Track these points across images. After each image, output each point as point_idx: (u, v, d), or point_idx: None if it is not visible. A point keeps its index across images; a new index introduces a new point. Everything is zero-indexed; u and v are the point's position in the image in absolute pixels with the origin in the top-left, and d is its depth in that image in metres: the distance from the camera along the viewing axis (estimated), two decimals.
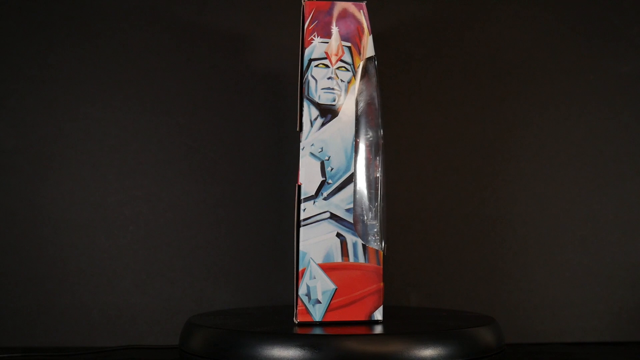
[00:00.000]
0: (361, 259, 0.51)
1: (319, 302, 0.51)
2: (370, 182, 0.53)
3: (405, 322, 0.53)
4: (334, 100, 0.52)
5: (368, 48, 0.54)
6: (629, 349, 0.70)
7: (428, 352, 0.45)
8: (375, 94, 0.54)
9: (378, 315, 0.52)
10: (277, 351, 0.45)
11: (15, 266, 0.70)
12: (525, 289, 0.75)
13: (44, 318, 0.70)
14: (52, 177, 0.72)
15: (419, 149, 0.76)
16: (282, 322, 0.53)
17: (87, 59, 0.73)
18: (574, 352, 0.68)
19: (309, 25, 0.52)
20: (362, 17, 0.54)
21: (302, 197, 0.51)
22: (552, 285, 0.74)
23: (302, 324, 0.50)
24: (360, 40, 0.53)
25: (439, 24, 0.77)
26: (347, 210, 0.51)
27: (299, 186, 0.51)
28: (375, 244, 0.52)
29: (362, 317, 0.51)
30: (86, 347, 0.69)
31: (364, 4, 0.54)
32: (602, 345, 0.72)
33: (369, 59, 0.54)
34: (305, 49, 0.52)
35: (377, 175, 0.53)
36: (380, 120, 0.54)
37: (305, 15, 0.52)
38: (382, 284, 0.52)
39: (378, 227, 0.53)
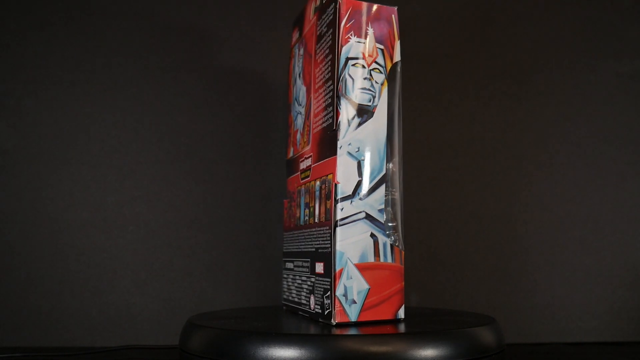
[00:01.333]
0: (389, 259, 0.52)
1: (355, 302, 0.51)
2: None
3: (406, 322, 0.53)
4: (370, 101, 0.52)
5: (396, 53, 0.54)
6: (629, 349, 0.70)
7: (428, 352, 0.45)
8: (398, 98, 0.54)
9: (401, 313, 0.52)
10: (277, 351, 0.45)
11: (15, 266, 0.70)
12: (525, 289, 0.75)
13: (44, 318, 0.70)
14: (52, 177, 0.72)
15: (419, 149, 0.76)
16: (283, 322, 0.53)
17: (87, 59, 0.73)
18: (574, 352, 0.68)
19: (346, 24, 0.52)
20: (394, 22, 0.54)
21: (340, 196, 0.51)
22: (552, 285, 0.75)
23: (340, 325, 0.50)
24: (391, 44, 0.54)
25: (438, 24, 0.78)
26: (379, 210, 0.52)
27: (336, 185, 0.51)
28: (400, 243, 0.53)
29: (389, 316, 0.52)
30: (86, 347, 0.69)
31: (395, 9, 0.54)
32: (602, 345, 0.72)
33: (396, 64, 0.54)
34: (342, 46, 0.51)
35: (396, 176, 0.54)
36: (400, 123, 0.54)
37: (341, 13, 0.52)
38: (403, 282, 0.53)
39: (400, 226, 0.53)
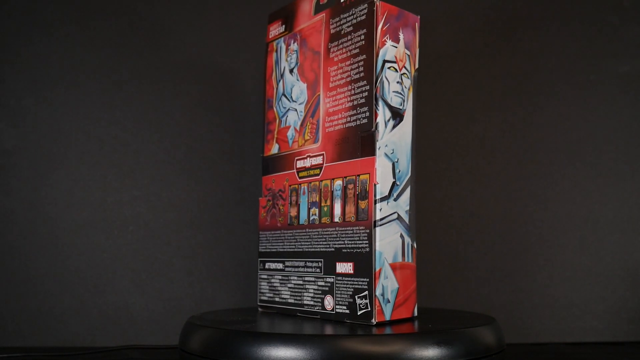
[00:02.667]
0: (410, 259, 0.53)
1: (389, 302, 0.51)
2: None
3: (406, 322, 0.53)
4: (401, 104, 0.53)
5: (417, 59, 0.56)
6: (629, 349, 0.70)
7: (428, 352, 0.45)
8: (414, 103, 0.55)
9: (415, 311, 0.54)
10: (277, 351, 0.45)
11: (15, 266, 0.70)
12: (525, 289, 0.75)
13: (44, 318, 0.70)
14: (52, 177, 0.72)
15: (419, 149, 0.76)
16: (283, 322, 0.53)
17: (87, 59, 0.73)
18: (574, 352, 0.68)
19: (383, 27, 0.53)
20: (417, 29, 0.56)
21: (378, 197, 0.51)
22: (552, 285, 0.75)
23: (379, 324, 0.50)
24: (414, 51, 0.55)
25: (438, 25, 0.77)
26: (406, 212, 0.53)
27: (375, 185, 0.51)
28: (415, 243, 0.54)
29: (409, 314, 0.53)
30: (86, 347, 0.69)
31: (418, 17, 0.56)
32: (602, 345, 0.72)
33: (417, 70, 0.55)
34: (380, 49, 0.52)
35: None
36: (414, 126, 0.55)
37: (378, 15, 0.52)
38: (416, 281, 0.54)
39: (414, 226, 0.54)
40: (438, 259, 0.75)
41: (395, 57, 0.53)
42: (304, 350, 0.44)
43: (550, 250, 0.75)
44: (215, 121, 0.75)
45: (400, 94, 0.53)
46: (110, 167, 0.73)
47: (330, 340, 0.45)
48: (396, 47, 0.53)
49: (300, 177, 0.58)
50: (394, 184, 0.52)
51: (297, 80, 0.60)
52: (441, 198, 0.76)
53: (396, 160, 0.52)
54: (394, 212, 0.52)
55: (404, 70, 0.54)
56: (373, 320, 0.50)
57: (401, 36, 0.54)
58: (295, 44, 0.61)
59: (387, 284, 0.51)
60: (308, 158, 0.58)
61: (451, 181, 0.76)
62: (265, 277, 0.62)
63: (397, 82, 0.53)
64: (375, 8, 0.52)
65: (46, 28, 0.73)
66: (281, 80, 0.62)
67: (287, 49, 0.62)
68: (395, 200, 0.52)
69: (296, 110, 0.60)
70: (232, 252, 0.74)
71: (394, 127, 0.52)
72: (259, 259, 0.63)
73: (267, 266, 0.61)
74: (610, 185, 0.76)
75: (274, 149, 0.62)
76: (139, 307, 0.72)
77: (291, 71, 0.61)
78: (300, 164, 0.59)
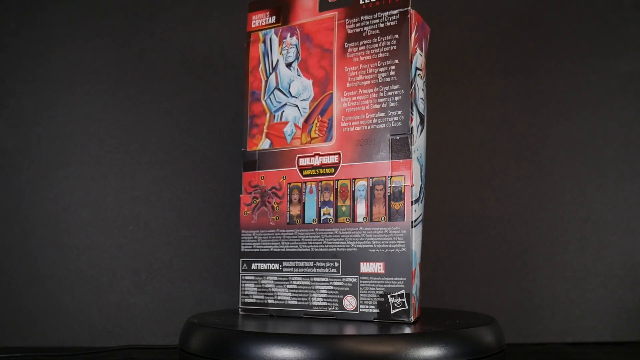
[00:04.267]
0: (419, 259, 0.55)
1: (418, 300, 0.54)
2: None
3: (406, 322, 0.53)
4: (424, 111, 0.56)
5: (425, 69, 0.58)
6: (629, 349, 0.70)
7: (428, 352, 0.45)
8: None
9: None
10: (277, 351, 0.45)
11: (15, 266, 0.70)
12: (525, 289, 0.75)
13: (44, 318, 0.70)
14: (52, 177, 0.72)
15: None
16: (283, 322, 0.53)
17: (87, 59, 0.73)
18: (574, 352, 0.68)
19: (415, 35, 0.55)
20: (428, 40, 0.59)
21: (413, 198, 0.53)
22: (552, 285, 0.74)
23: (415, 321, 0.52)
24: (425, 61, 0.58)
25: (437, 25, 0.77)
26: (422, 213, 0.55)
27: (412, 187, 0.53)
28: None
29: (419, 313, 0.55)
30: (86, 347, 0.69)
31: (429, 30, 0.59)
32: (602, 345, 0.72)
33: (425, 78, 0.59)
34: (413, 56, 0.54)
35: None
36: None
37: (412, 24, 0.55)
38: None
39: None
40: (438, 259, 0.75)
41: (422, 65, 0.56)
42: (304, 350, 0.44)
43: (550, 250, 0.75)
44: (215, 121, 0.75)
45: (424, 100, 0.56)
46: (110, 167, 0.73)
47: (330, 340, 0.45)
48: (421, 56, 0.56)
49: (304, 175, 0.58)
50: (421, 186, 0.54)
51: (299, 75, 0.60)
52: (441, 198, 0.76)
53: (422, 164, 0.55)
54: (421, 214, 0.54)
55: (424, 78, 0.57)
56: (411, 318, 0.52)
57: (423, 45, 0.57)
58: (294, 38, 0.60)
59: (418, 283, 0.53)
60: (317, 156, 0.57)
61: (451, 181, 0.76)
62: (250, 278, 0.60)
63: (422, 89, 0.56)
64: (410, 16, 0.54)
65: (46, 28, 0.73)
66: (273, 74, 0.61)
67: (280, 42, 0.61)
68: (421, 202, 0.55)
69: (297, 106, 0.59)
70: (232, 252, 0.74)
71: (420, 132, 0.55)
72: (241, 259, 0.60)
73: (253, 267, 0.60)
74: (610, 185, 0.76)
75: (264, 144, 0.61)
76: (139, 307, 0.72)
77: (289, 65, 0.60)
78: (304, 161, 0.58)
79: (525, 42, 0.77)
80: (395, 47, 0.54)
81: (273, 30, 0.61)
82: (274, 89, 0.61)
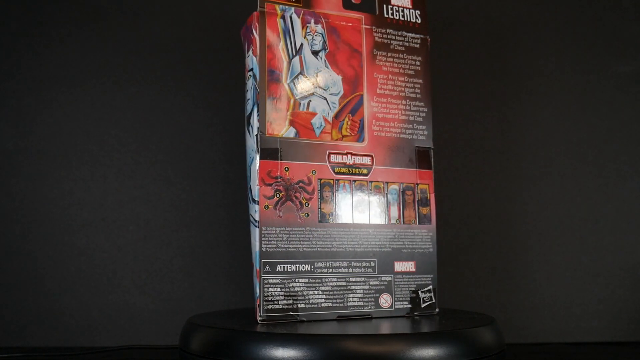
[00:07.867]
0: None
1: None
2: None
3: (406, 322, 0.53)
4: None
5: None
6: (629, 349, 0.70)
7: (428, 352, 0.45)
8: None
9: None
10: (277, 351, 0.45)
11: (15, 266, 0.70)
12: (525, 289, 0.75)
13: (44, 318, 0.70)
14: (52, 177, 0.72)
15: None
16: (282, 322, 0.53)
17: (87, 59, 0.73)
18: (574, 352, 0.68)
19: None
20: None
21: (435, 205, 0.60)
22: (552, 285, 0.75)
23: (439, 313, 0.59)
24: None
25: (437, 25, 0.77)
26: None
27: (434, 195, 0.60)
28: None
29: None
30: (86, 347, 0.69)
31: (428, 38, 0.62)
32: (602, 345, 0.72)
33: None
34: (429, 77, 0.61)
35: None
36: None
37: (428, 49, 0.61)
38: None
39: None
40: (438, 259, 0.75)
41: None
42: (304, 350, 0.44)
43: (550, 250, 0.75)
44: (215, 121, 0.75)
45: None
46: (110, 167, 0.73)
47: (330, 340, 0.45)
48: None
49: (336, 173, 0.56)
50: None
51: (327, 67, 0.57)
52: (441, 198, 0.76)
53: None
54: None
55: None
56: (437, 310, 0.58)
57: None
58: (319, 26, 0.57)
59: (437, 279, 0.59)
60: (350, 155, 0.56)
61: (451, 181, 0.76)
62: (275, 282, 0.53)
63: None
64: (428, 44, 0.61)
65: (46, 28, 0.73)
66: (297, 57, 0.57)
67: (304, 25, 0.57)
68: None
69: (326, 99, 0.57)
70: (232, 252, 0.74)
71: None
72: (262, 261, 0.52)
73: (278, 269, 0.53)
74: (610, 185, 0.76)
75: (288, 132, 0.55)
76: (139, 307, 0.72)
77: (315, 53, 0.57)
78: (336, 158, 0.56)
79: (525, 41, 0.77)
80: (419, 67, 0.60)
81: (293, 9, 0.57)
82: (298, 74, 0.56)
